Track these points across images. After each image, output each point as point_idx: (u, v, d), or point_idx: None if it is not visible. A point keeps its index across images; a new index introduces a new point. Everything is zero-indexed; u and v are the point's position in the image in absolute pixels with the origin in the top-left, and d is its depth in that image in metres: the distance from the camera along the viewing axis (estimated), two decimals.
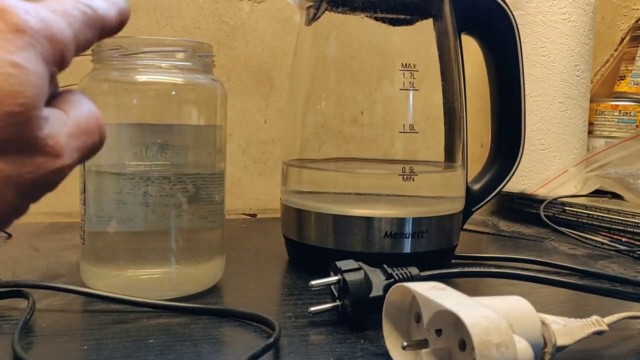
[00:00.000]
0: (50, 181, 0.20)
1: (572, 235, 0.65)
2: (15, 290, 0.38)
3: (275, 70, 0.74)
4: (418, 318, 0.31)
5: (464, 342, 0.27)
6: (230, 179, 0.73)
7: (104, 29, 0.23)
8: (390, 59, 0.47)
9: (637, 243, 0.60)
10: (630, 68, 0.84)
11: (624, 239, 0.62)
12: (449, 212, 0.48)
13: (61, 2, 0.21)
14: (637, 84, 0.83)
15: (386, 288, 0.34)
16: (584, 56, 0.74)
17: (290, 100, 0.53)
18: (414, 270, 0.37)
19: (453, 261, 0.51)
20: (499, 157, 0.55)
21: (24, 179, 0.19)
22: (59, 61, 0.21)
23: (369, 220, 0.45)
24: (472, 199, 0.53)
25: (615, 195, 0.74)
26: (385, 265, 0.37)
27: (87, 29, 0.22)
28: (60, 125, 0.20)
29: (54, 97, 0.22)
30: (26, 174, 0.19)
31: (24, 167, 0.19)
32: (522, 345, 0.26)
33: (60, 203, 0.67)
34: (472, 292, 0.30)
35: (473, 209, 0.53)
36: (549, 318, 0.30)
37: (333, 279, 0.37)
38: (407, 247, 0.46)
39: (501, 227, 0.71)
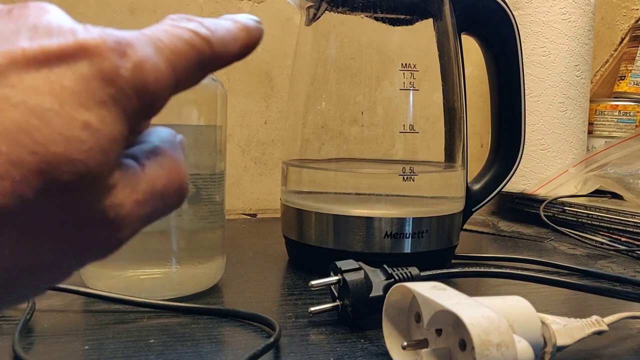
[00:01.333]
0: (103, 252, 0.17)
1: (572, 235, 0.65)
2: None
3: (275, 71, 0.74)
4: (418, 318, 0.31)
5: (464, 342, 0.27)
6: (230, 179, 0.73)
7: (220, 63, 0.19)
8: (390, 59, 0.47)
9: (637, 243, 0.60)
10: (630, 68, 0.84)
11: (623, 239, 0.62)
12: (449, 212, 0.48)
13: (173, 31, 0.17)
14: (636, 84, 0.83)
15: (386, 288, 0.34)
16: (583, 56, 0.74)
17: (290, 100, 0.53)
18: (414, 270, 0.37)
19: (453, 261, 0.51)
20: (499, 157, 0.55)
21: (76, 249, 0.16)
22: (146, 113, 0.17)
23: (369, 220, 0.45)
24: (472, 199, 0.53)
25: (615, 195, 0.74)
26: (385, 265, 0.37)
27: (195, 70, 0.18)
28: (129, 192, 0.16)
29: (139, 143, 0.18)
30: (78, 244, 0.16)
31: (74, 237, 0.16)
32: (523, 345, 0.26)
33: None
34: (472, 292, 0.30)
35: (473, 209, 0.53)
36: (549, 318, 0.30)
37: (333, 279, 0.37)
38: (407, 247, 0.46)
39: (501, 227, 0.71)
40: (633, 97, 0.82)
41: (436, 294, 0.28)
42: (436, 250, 0.47)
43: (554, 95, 0.73)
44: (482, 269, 0.41)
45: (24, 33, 0.14)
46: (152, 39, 0.16)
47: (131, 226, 0.16)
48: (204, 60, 0.18)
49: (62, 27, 0.15)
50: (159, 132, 0.19)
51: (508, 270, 0.41)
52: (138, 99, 0.16)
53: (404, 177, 0.46)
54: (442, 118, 0.50)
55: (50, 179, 0.14)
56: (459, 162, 0.51)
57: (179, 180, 0.18)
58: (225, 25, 0.19)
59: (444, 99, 0.50)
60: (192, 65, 0.17)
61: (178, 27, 0.17)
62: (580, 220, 0.67)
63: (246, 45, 0.19)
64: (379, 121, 0.48)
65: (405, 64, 0.46)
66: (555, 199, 0.71)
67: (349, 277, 0.36)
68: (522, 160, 0.54)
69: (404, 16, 0.47)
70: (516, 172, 0.55)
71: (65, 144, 0.14)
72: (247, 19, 0.19)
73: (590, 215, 0.66)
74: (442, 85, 0.49)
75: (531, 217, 0.73)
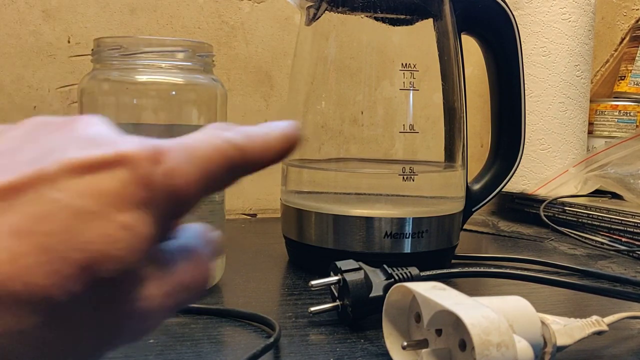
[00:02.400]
0: (125, 341, 0.18)
1: (572, 235, 0.65)
2: None
3: (275, 70, 0.74)
4: (418, 318, 0.31)
5: (464, 342, 0.27)
6: None
7: (253, 168, 0.20)
8: (390, 59, 0.47)
9: (637, 243, 0.60)
10: (630, 68, 0.84)
11: (623, 239, 0.62)
12: (449, 212, 0.48)
13: (208, 140, 0.19)
14: (637, 84, 0.83)
15: (386, 288, 0.34)
16: (584, 56, 0.74)
17: (290, 100, 0.53)
18: (414, 270, 0.37)
19: (453, 261, 0.51)
20: (499, 157, 0.55)
21: (104, 336, 0.17)
22: (177, 214, 0.18)
23: (369, 220, 0.45)
24: (472, 199, 0.53)
25: (615, 195, 0.74)
26: (385, 265, 0.37)
27: (226, 175, 0.19)
28: (159, 285, 0.18)
29: (171, 238, 0.20)
30: (106, 332, 0.17)
31: (104, 326, 0.17)
32: (522, 345, 0.26)
33: None
34: (472, 292, 0.30)
35: (473, 209, 0.53)
36: (549, 318, 0.30)
37: (333, 279, 0.36)
38: (407, 247, 0.46)
39: (501, 227, 0.70)
40: (633, 97, 0.82)
41: (436, 294, 0.28)
42: (436, 250, 0.47)
43: (554, 95, 0.73)
44: (482, 269, 0.41)
45: (73, 144, 0.17)
46: (186, 147, 0.18)
47: (157, 317, 0.18)
48: (235, 167, 0.19)
49: (105, 138, 0.17)
50: (192, 229, 0.20)
51: (508, 271, 0.41)
52: (168, 202, 0.17)
53: (403, 177, 0.46)
54: (442, 118, 0.50)
55: (92, 274, 0.15)
56: (459, 162, 0.51)
57: (203, 276, 0.19)
58: (261, 133, 0.20)
59: (444, 98, 0.50)
60: (222, 171, 0.19)
61: (214, 137, 0.19)
62: (580, 220, 0.67)
63: (281, 152, 0.21)
64: (379, 121, 0.48)
65: (405, 64, 0.46)
66: (556, 199, 0.71)
67: (349, 277, 0.36)
68: (522, 160, 0.54)
69: (404, 16, 0.47)
70: (516, 172, 0.54)
71: (106, 243, 0.16)
72: (285, 127, 0.21)
73: (591, 216, 0.66)
74: (442, 85, 0.49)
75: (531, 217, 0.73)
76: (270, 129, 0.21)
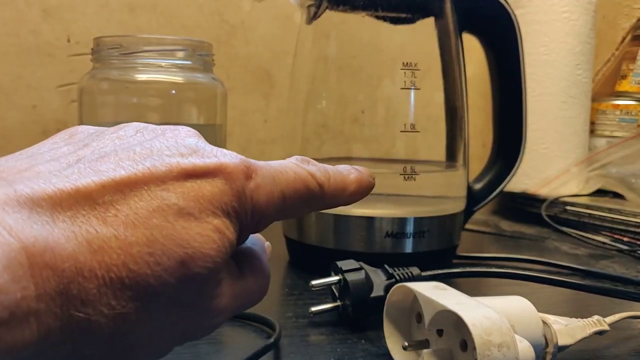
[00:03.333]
0: (193, 336, 0.20)
1: (574, 235, 0.65)
2: None
3: (275, 69, 0.74)
4: (419, 318, 0.30)
5: (465, 343, 0.27)
6: None
7: (327, 204, 0.22)
8: (391, 57, 0.47)
9: (639, 242, 0.60)
10: (632, 67, 0.84)
11: (625, 239, 0.62)
12: (451, 211, 0.48)
13: (294, 169, 0.21)
14: (638, 83, 0.83)
15: (387, 288, 0.34)
16: (585, 55, 0.74)
17: (290, 99, 0.52)
18: (415, 270, 0.37)
19: (454, 261, 0.50)
20: (500, 157, 0.55)
21: (179, 329, 0.19)
22: (254, 227, 0.20)
23: (369, 220, 0.45)
24: (474, 199, 0.53)
25: (617, 195, 0.74)
26: (386, 265, 0.37)
27: (302, 204, 0.22)
28: (229, 287, 0.20)
29: (240, 251, 0.22)
30: (183, 325, 0.19)
31: (183, 319, 0.19)
32: (524, 346, 0.26)
33: None
34: (473, 292, 0.30)
35: (474, 209, 0.53)
36: (551, 318, 0.30)
37: (334, 279, 0.36)
38: (408, 247, 0.46)
39: (502, 227, 0.70)
40: (635, 96, 0.82)
41: (437, 294, 0.28)
42: (437, 250, 0.47)
43: (556, 94, 0.73)
44: (483, 269, 0.41)
45: (177, 150, 0.19)
46: (274, 170, 0.20)
47: (223, 315, 0.20)
48: (312, 199, 0.22)
49: (205, 149, 0.19)
50: (250, 237, 0.22)
51: (509, 270, 0.41)
52: (251, 215, 0.20)
53: (405, 177, 0.46)
54: (443, 117, 0.50)
55: (187, 269, 0.17)
56: (460, 161, 0.50)
57: (264, 283, 0.23)
58: (341, 175, 0.23)
59: (445, 98, 0.49)
60: (300, 199, 0.21)
61: (300, 167, 0.21)
62: (582, 220, 0.67)
63: (354, 195, 0.23)
64: (379, 120, 0.48)
65: (407, 63, 0.46)
66: (557, 198, 0.70)
67: (350, 277, 0.36)
68: (523, 159, 0.54)
69: (405, 15, 0.47)
70: (517, 171, 0.54)
71: (201, 242, 0.17)
72: (362, 173, 0.23)
73: (592, 215, 0.66)
74: (444, 84, 0.49)
75: (533, 217, 0.73)
76: (348, 172, 0.23)
